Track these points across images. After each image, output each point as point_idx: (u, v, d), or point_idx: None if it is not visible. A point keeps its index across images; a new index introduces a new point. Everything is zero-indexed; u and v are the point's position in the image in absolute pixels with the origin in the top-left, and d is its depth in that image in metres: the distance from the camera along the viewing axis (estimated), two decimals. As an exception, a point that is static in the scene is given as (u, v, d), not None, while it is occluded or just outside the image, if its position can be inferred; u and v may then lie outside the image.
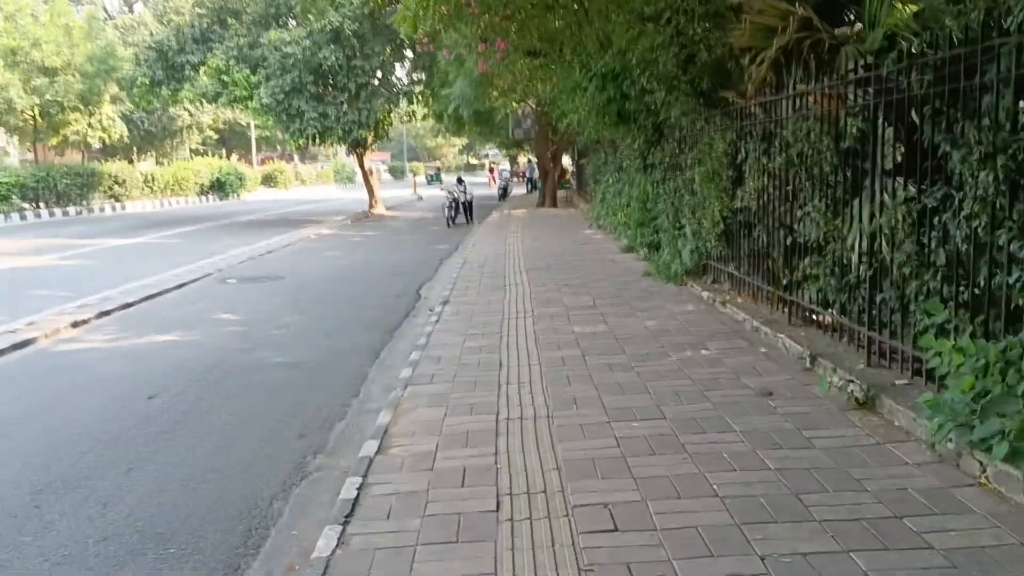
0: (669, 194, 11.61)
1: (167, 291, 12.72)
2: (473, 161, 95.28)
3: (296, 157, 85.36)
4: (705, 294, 9.23)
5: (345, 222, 27.47)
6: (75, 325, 9.98)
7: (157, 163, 50.89)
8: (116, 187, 35.84)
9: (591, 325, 8.13)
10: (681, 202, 10.79)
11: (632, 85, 11.83)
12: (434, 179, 61.81)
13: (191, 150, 61.87)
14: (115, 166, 36.91)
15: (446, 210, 24.74)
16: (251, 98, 26.85)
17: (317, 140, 27.75)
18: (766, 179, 7.69)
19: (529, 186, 48.96)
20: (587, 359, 6.77)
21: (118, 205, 35.52)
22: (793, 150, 6.86)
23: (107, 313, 10.86)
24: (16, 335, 9.28)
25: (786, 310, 7.39)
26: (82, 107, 36.05)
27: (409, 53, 30.05)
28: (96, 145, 50.18)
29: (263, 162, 67.01)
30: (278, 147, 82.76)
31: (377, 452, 4.86)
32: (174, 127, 55.16)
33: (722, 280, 9.43)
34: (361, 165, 32.17)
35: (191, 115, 54.38)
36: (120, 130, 48.93)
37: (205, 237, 22.84)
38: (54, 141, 45.32)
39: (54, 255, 17.89)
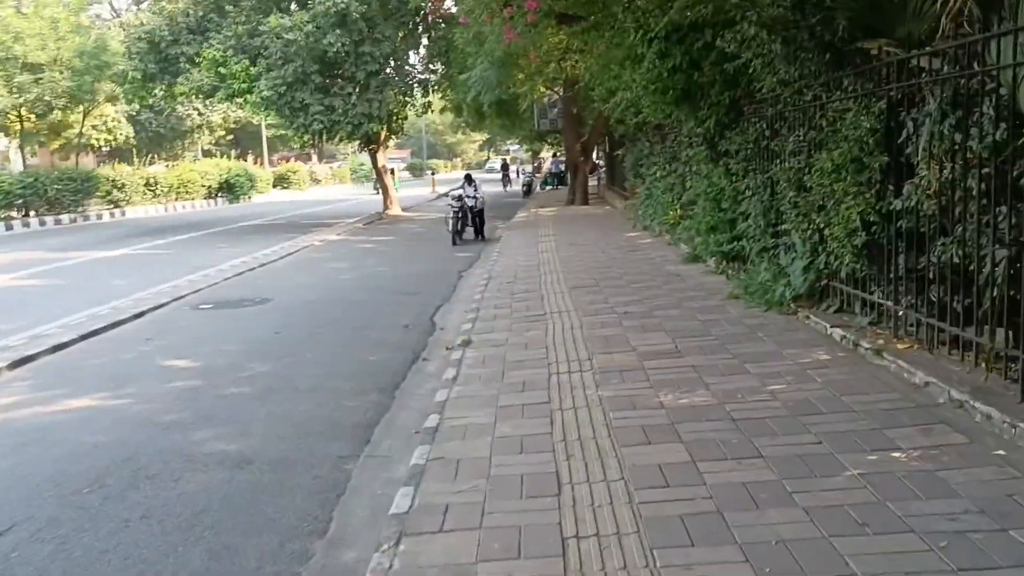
0: (758, 190, 8.87)
1: (120, 323, 10.14)
2: (498, 158, 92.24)
3: (314, 156, 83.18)
4: (836, 332, 6.47)
5: (356, 225, 24.86)
6: (-32, 383, 7.42)
7: (167, 166, 48.62)
8: (115, 192, 33.43)
9: (686, 391, 5.41)
10: (782, 201, 8.04)
11: (706, 48, 9.09)
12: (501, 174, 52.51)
13: (203, 151, 59.71)
14: (114, 170, 34.49)
15: (450, 221, 18.12)
16: (251, 91, 24.31)
17: (324, 136, 25.13)
18: (960, 166, 4.93)
19: (555, 182, 46.14)
20: (702, 470, 4.06)
21: (117, 211, 33.14)
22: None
23: (28, 360, 8.30)
24: None
25: (1008, 373, 4.65)
26: (71, 106, 33.57)
27: (424, 39, 27.45)
28: (104, 148, 48.23)
29: (280, 162, 64.68)
30: (294, 146, 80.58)
31: None
32: (183, 128, 52.99)
33: (856, 310, 6.67)
34: (374, 163, 29.57)
35: (200, 114, 52.17)
36: (126, 132, 46.89)
37: (200, 246, 20.34)
38: (55, 145, 43.25)
39: (14, 273, 15.39)
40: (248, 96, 24.44)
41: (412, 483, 4.23)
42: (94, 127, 44.08)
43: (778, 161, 8.26)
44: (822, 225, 6.98)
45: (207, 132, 56.08)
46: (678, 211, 13.98)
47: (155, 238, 22.66)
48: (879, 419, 4.59)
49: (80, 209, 31.22)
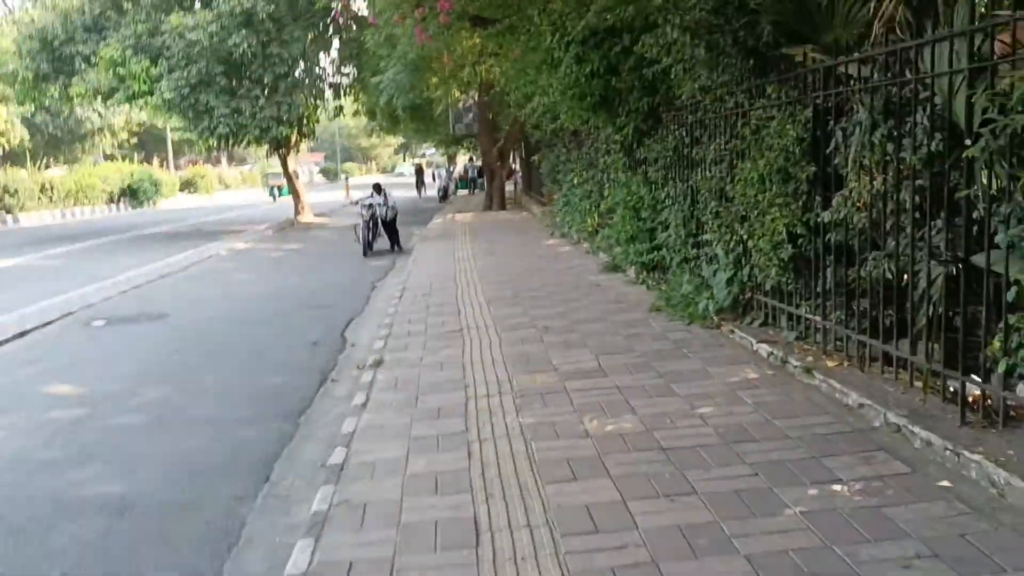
0: (678, 199, 8.65)
1: (1, 343, 9.34)
2: (408, 163, 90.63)
3: (224, 160, 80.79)
4: (763, 348, 6.25)
5: (266, 232, 24.02)
6: None
7: (69, 169, 46.33)
8: (7, 198, 31.65)
9: (612, 416, 5.07)
10: (703, 211, 7.83)
11: (624, 53, 8.84)
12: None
13: (105, 155, 57.30)
14: (5, 174, 32.65)
15: (359, 230, 17.06)
16: (152, 93, 23.20)
17: (230, 140, 24.17)
18: (893, 178, 4.73)
19: (470, 186, 45.78)
20: (633, 511, 3.72)
21: (10, 218, 31.39)
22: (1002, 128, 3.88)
23: None
24: None
25: (946, 394, 4.46)
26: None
27: (336, 42, 26.72)
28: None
29: (188, 166, 62.55)
30: (202, 150, 78.37)
31: None
32: (82, 131, 50.73)
33: (783, 324, 6.47)
34: (285, 167, 28.63)
35: (101, 117, 49.99)
36: (20, 134, 44.66)
37: (98, 255, 19.29)
38: (-58, 148, 40.88)
39: None
40: (149, 98, 23.33)
41: (313, 534, 3.77)
42: (-16, 129, 41.88)
43: (699, 170, 8.05)
44: (745, 236, 6.77)
45: (109, 135, 53.79)
46: (596, 219, 13.76)
47: (49, 247, 21.43)
48: (815, 446, 4.34)
49: (-35, 216, 29.49)
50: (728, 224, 7.14)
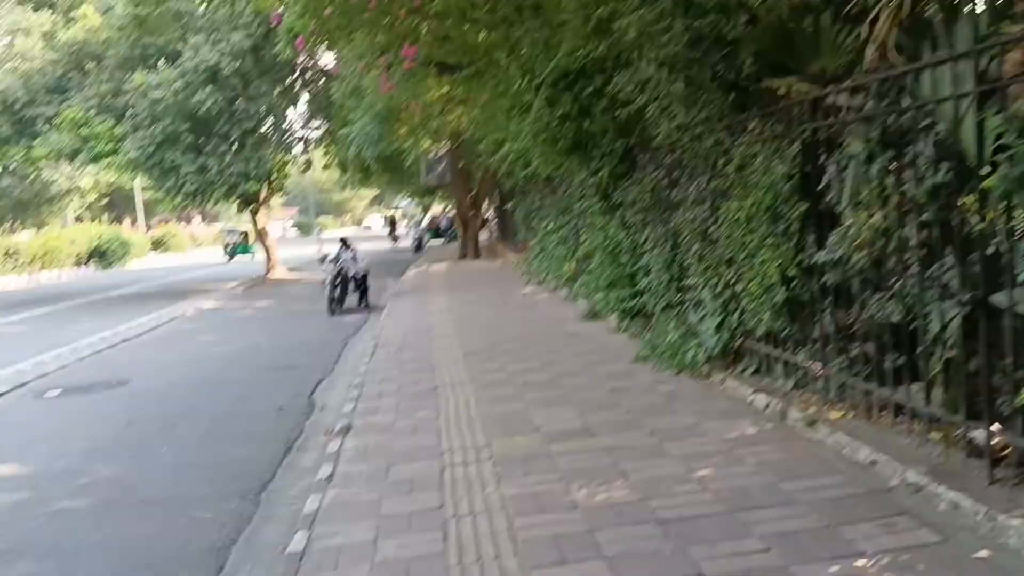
0: (658, 242, 8.29)
1: (-56, 420, 8.75)
2: (376, 215, 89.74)
3: (196, 217, 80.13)
4: (759, 399, 5.83)
5: (236, 291, 23.41)
6: None
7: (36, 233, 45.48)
8: (-31, 263, 30.93)
9: (601, 483, 4.61)
10: (685, 254, 7.46)
11: (596, 94, 8.54)
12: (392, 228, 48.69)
13: (75, 217, 56.55)
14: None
15: (327, 289, 15.64)
16: (116, 153, 22.76)
17: (197, 198, 23.69)
18: (895, 214, 4.36)
19: (448, 237, 45.50)
20: (633, 601, 3.25)
21: (-28, 284, 30.61)
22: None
23: None
24: None
25: (968, 447, 4.04)
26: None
27: (304, 96, 26.48)
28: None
29: (160, 224, 61.78)
30: (173, 209, 77.72)
31: None
32: (49, 193, 50.03)
33: (778, 372, 6.06)
34: (255, 223, 28.16)
35: (68, 179, 49.37)
36: (-17, 198, 43.99)
37: (59, 320, 18.60)
38: (-97, 214, 40.06)
39: None
40: (114, 158, 22.88)
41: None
42: (-54, 194, 41.17)
43: (679, 212, 7.70)
44: (733, 279, 6.39)
45: (77, 197, 53.13)
46: (573, 265, 13.39)
47: (9, 313, 20.71)
48: (829, 512, 3.90)
49: (-74, 283, 28.68)
50: (713, 267, 6.77)
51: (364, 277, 16.34)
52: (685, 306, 7.64)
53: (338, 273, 15.61)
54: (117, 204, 62.14)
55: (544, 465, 5.06)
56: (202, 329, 15.28)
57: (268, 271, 27.68)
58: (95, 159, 23.31)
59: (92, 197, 54.86)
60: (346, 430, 6.51)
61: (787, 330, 5.75)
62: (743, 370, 6.51)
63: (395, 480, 5.13)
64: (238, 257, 41.25)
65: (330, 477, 5.34)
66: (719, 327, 6.60)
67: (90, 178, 50.01)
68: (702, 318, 6.93)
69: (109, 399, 9.38)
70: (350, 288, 16.05)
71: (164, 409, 8.62)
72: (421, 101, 13.09)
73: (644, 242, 8.83)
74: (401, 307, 14.78)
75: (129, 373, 10.81)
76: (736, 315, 6.47)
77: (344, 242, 16.23)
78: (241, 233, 42.84)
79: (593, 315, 10.62)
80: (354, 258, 15.96)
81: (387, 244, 45.95)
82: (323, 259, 16.13)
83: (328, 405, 8.21)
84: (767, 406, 5.67)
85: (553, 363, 8.18)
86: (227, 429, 7.62)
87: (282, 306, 18.62)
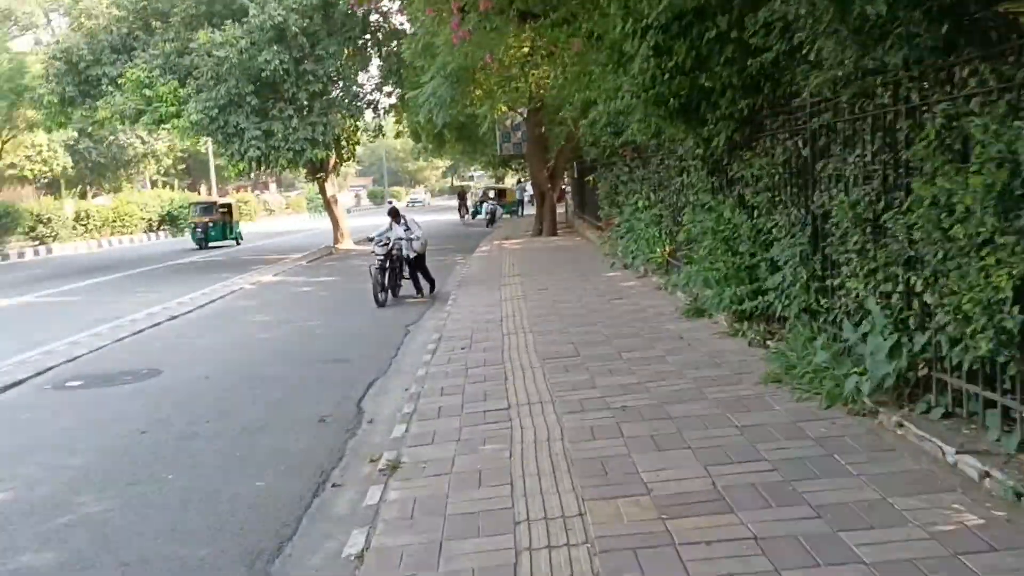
0: (793, 230, 6.55)
1: (-59, 416, 7.58)
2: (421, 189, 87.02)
3: (272, 185, 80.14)
4: (968, 464, 4.06)
5: (300, 263, 22.26)
6: None
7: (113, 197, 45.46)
8: (40, 227, 30.56)
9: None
10: (838, 247, 5.71)
11: (718, 41, 6.78)
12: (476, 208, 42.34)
13: (151, 181, 56.70)
14: (39, 203, 31.62)
15: (373, 273, 12.74)
16: (179, 116, 21.73)
17: (262, 164, 22.56)
18: None
19: (520, 211, 43.77)
20: None
21: (43, 248, 30.26)
22: None
23: None
24: None
25: None
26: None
27: (376, 59, 25.07)
28: (44, 180, 45.20)
29: (236, 192, 61.65)
30: (251, 176, 77.38)
31: None
32: (125, 157, 50.03)
33: (987, 421, 4.30)
34: (323, 192, 27.00)
35: (143, 143, 49.26)
36: (64, 162, 44.06)
37: (115, 290, 17.72)
38: (-16, 177, 40.31)
39: None
40: (177, 120, 21.86)
41: None
42: (27, 158, 41.25)
43: (828, 191, 5.94)
44: (919, 287, 4.65)
45: (153, 162, 53.10)
46: (666, 249, 11.67)
47: (70, 281, 19.99)
48: None
49: (-2, 247, 28.35)
50: (884, 266, 5.03)
51: (421, 258, 13.38)
52: (834, 314, 5.90)
53: (387, 256, 12.78)
54: (193, 170, 62.18)
55: (665, 559, 3.46)
56: (255, 307, 14.03)
57: (336, 242, 26.54)
58: (158, 121, 22.37)
59: (168, 162, 54.78)
60: (393, 467, 5.01)
61: (1016, 365, 3.99)
62: (926, 410, 4.76)
63: (451, 571, 3.59)
64: (217, 244, 30.13)
65: (361, 556, 3.83)
66: (894, 350, 4.86)
67: (164, 143, 49.95)
68: (864, 334, 5.18)
69: (132, 395, 8.11)
70: (405, 272, 13.38)
71: (190, 411, 7.27)
72: (498, 56, 11.44)
73: (771, 228, 7.08)
74: (469, 291, 13.23)
75: (163, 361, 9.56)
76: (921, 336, 4.72)
77: (394, 213, 13.39)
78: (220, 208, 31.06)
79: (696, 312, 8.90)
80: (407, 232, 13.01)
81: (454, 217, 43.86)
82: (370, 239, 13.43)
83: (378, 417, 6.76)
84: (984, 475, 3.93)
85: (656, 378, 6.52)
86: (254, 446, 6.22)
87: (344, 282, 17.30)
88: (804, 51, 5.28)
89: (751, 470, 4.38)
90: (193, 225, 30.30)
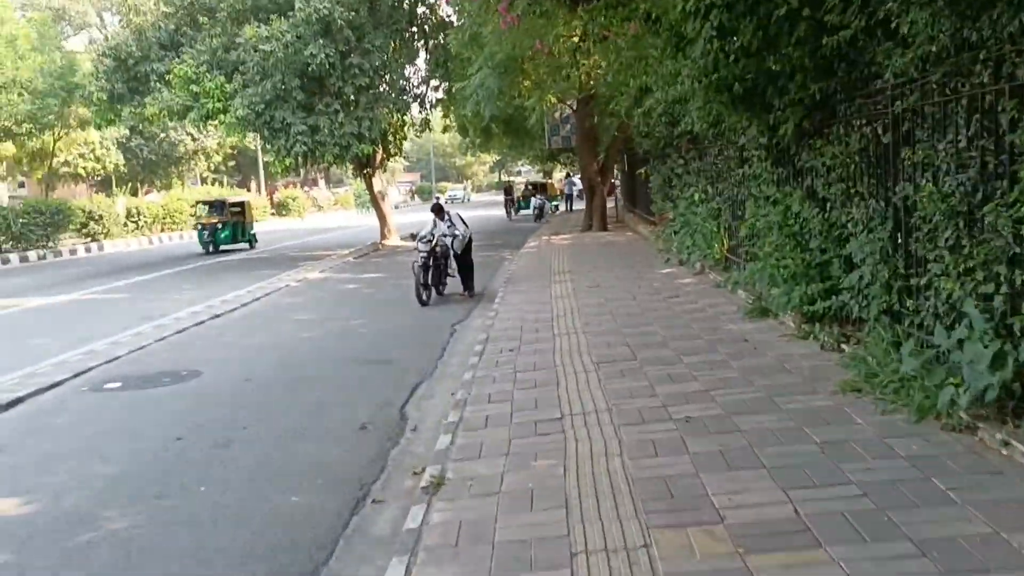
0: (871, 224, 6.00)
1: (-26, 420, 7.37)
2: (457, 186, 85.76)
3: (321, 181, 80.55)
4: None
5: (347, 259, 22.04)
6: None
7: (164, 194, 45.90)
8: (92, 224, 30.85)
9: None
10: (925, 242, 5.17)
11: (788, 19, 6.25)
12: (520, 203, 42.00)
13: (201, 178, 57.24)
14: (91, 200, 31.93)
15: (416, 270, 12.39)
16: (226, 111, 21.61)
17: (308, 159, 22.36)
18: None
19: (568, 205, 43.20)
20: None
21: (94, 245, 30.53)
22: None
23: None
24: None
25: None
26: (36, 131, 30.86)
27: (423, 52, 24.74)
28: (97, 177, 45.83)
29: (285, 188, 61.97)
30: (301, 172, 77.62)
31: None
32: (176, 154, 50.54)
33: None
34: (369, 187, 26.78)
35: (194, 139, 49.71)
36: (115, 159, 44.56)
37: (161, 287, 17.60)
38: (39, 174, 40.84)
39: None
40: (224, 116, 21.74)
41: None
42: (81, 155, 41.79)
43: (912, 181, 5.39)
44: (1027, 287, 4.11)
45: (203, 158, 53.60)
46: (725, 244, 11.12)
47: (118, 278, 19.96)
48: None
49: (50, 244, 28.58)
50: (984, 265, 4.48)
51: (467, 254, 13.02)
52: (921, 317, 5.36)
53: (430, 253, 12.39)
54: (243, 167, 62.67)
55: (747, 606, 2.99)
56: (300, 305, 13.76)
57: (382, 238, 26.32)
58: (206, 117, 22.24)
59: (218, 159, 55.25)
60: (437, 485, 4.60)
61: None
62: (1037, 428, 4.22)
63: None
64: (227, 248, 26.93)
65: (400, 593, 3.43)
66: (997, 359, 4.31)
67: (214, 139, 50.32)
68: (960, 341, 4.64)
69: (170, 397, 7.83)
70: (451, 268, 12.95)
71: (228, 416, 6.96)
72: (547, 43, 10.95)
73: (846, 222, 6.53)
74: (518, 289, 12.79)
75: (204, 361, 9.30)
76: (1031, 343, 4.18)
77: (438, 209, 12.95)
78: (232, 207, 27.53)
79: (761, 311, 8.36)
80: (453, 232, 12.66)
81: (500, 212, 42.98)
82: (413, 236, 13.00)
83: (422, 425, 6.39)
84: (1117, 509, 3.40)
85: (720, 385, 6.02)
86: (291, 454, 5.88)
87: (390, 279, 16.96)
88: (892, 25, 4.73)
89: (838, 495, 3.88)
90: (200, 227, 27.17)
